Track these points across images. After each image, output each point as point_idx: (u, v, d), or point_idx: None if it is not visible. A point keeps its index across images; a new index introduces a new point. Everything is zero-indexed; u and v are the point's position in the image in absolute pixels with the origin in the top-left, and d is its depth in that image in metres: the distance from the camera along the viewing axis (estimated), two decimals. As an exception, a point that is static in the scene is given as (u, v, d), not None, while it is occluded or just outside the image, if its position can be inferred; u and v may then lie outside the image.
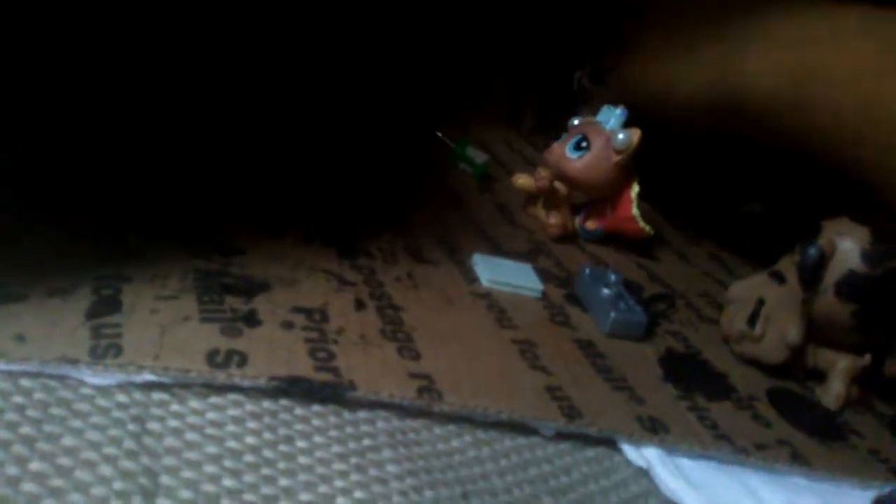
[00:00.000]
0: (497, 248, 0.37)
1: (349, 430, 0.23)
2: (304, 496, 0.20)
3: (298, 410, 0.23)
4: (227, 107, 0.42)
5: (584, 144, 0.38)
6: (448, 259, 0.34)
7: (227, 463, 0.20)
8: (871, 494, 0.26)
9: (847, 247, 0.30)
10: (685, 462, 0.25)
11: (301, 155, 0.41)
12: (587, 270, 0.33)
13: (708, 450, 0.26)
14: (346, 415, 0.23)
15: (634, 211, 0.39)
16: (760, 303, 0.32)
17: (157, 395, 0.21)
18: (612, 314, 0.31)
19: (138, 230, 0.29)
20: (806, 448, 0.28)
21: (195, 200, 0.32)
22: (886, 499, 0.26)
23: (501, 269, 0.33)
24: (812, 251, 0.30)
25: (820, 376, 0.33)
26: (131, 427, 0.20)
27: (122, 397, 0.21)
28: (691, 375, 0.30)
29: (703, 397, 0.29)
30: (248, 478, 0.20)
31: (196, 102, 0.41)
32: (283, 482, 0.20)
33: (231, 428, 0.21)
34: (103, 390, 0.21)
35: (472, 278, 0.33)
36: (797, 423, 0.29)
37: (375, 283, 0.29)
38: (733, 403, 0.29)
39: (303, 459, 0.21)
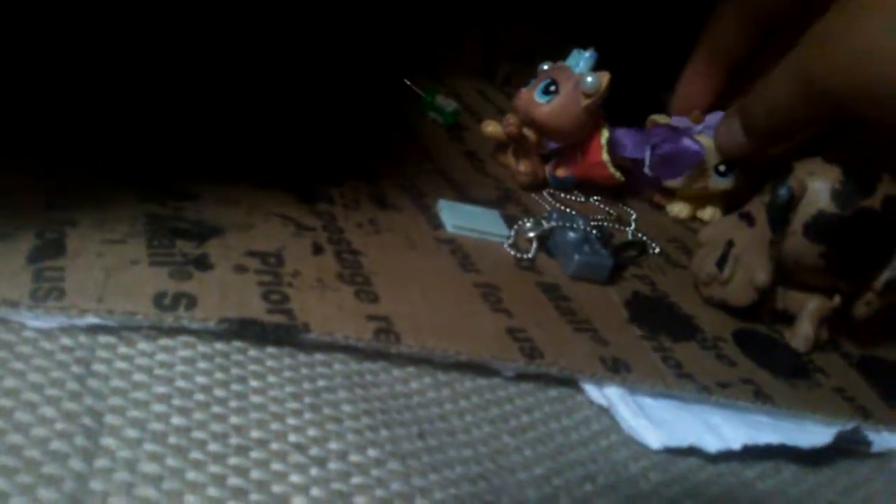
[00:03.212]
0: (465, 196, 0.36)
1: (304, 371, 0.22)
2: (255, 433, 0.20)
3: (252, 352, 0.22)
4: (187, 49, 0.41)
5: (552, 89, 0.38)
6: (413, 205, 0.33)
7: (176, 402, 0.20)
8: (834, 431, 0.26)
9: (817, 187, 0.30)
10: (647, 401, 0.25)
11: (266, 100, 0.40)
12: (554, 214, 0.33)
13: (670, 388, 0.26)
14: (302, 356, 0.23)
15: (604, 156, 0.38)
16: (730, 245, 0.32)
17: (103, 338, 0.21)
18: (577, 256, 0.31)
19: (88, 173, 0.28)
20: (769, 386, 0.28)
21: (150, 143, 0.31)
22: (849, 434, 0.26)
23: (467, 214, 0.33)
24: (781, 192, 0.30)
25: (789, 319, 0.32)
26: (76, 369, 0.20)
27: (66, 340, 0.20)
28: (657, 317, 0.30)
29: (668, 338, 0.29)
30: (198, 416, 0.20)
31: (155, 42, 0.40)
32: (234, 420, 0.20)
33: (181, 368, 0.21)
34: (47, 333, 0.20)
35: (437, 224, 0.32)
36: (763, 364, 0.29)
37: (335, 228, 0.29)
38: (698, 344, 0.29)
39: (255, 398, 0.21)
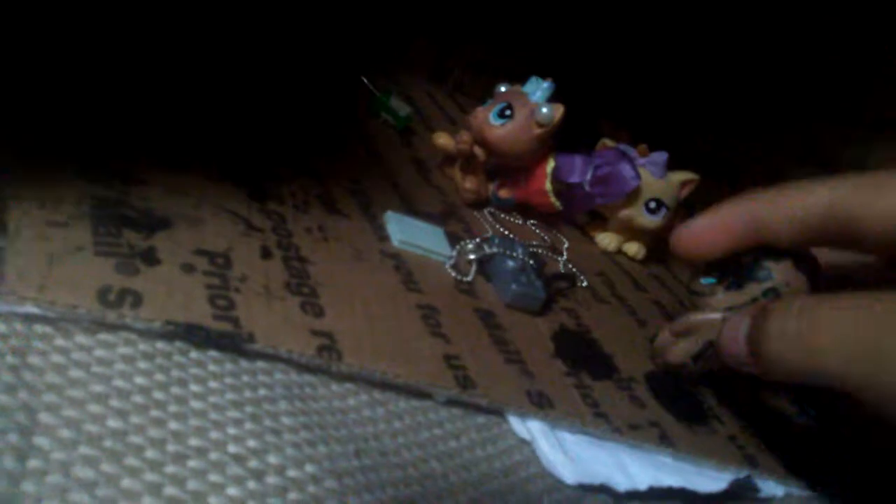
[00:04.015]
0: (410, 206, 0.37)
1: (246, 378, 0.22)
2: (194, 441, 0.20)
3: (194, 354, 0.22)
4: (147, 37, 0.39)
5: (507, 113, 0.39)
6: (361, 213, 0.33)
7: (114, 403, 0.20)
8: (729, 478, 0.28)
9: None
10: (565, 435, 0.27)
11: (222, 92, 0.39)
12: (496, 240, 0.34)
13: (587, 427, 0.27)
14: (244, 363, 0.23)
15: (547, 185, 0.40)
16: (710, 345, 0.31)
17: (40, 328, 0.20)
18: (513, 286, 0.32)
19: (35, 149, 0.26)
20: (673, 430, 0.30)
21: (101, 124, 0.30)
22: (743, 482, 0.29)
23: (413, 230, 0.33)
24: None
25: None
26: (10, 360, 0.19)
27: (1, 326, 0.20)
28: (579, 353, 0.32)
29: (588, 375, 0.31)
30: (136, 419, 0.19)
31: (112, 27, 0.38)
32: (173, 425, 0.20)
33: (120, 367, 0.21)
34: (-20, 317, 0.20)
35: (384, 236, 0.33)
36: (669, 407, 0.31)
37: (284, 231, 0.29)
38: (614, 383, 0.31)
39: (195, 404, 0.21)
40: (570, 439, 0.27)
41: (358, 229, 0.32)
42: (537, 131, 0.38)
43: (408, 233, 0.33)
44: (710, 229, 0.31)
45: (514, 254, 0.34)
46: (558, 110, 0.38)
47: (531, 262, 0.34)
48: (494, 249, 0.34)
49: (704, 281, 0.32)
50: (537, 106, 0.38)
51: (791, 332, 0.26)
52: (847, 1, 0.51)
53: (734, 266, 0.31)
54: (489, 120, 0.39)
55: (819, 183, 0.28)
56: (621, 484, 0.25)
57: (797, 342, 0.26)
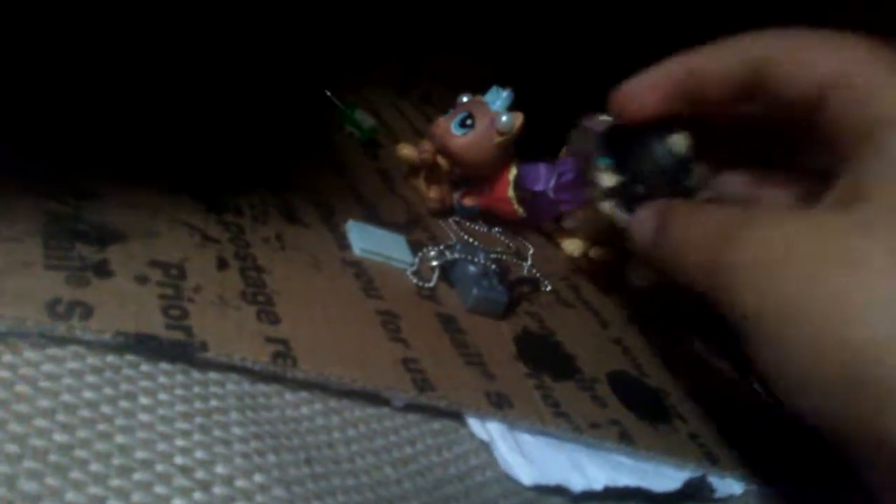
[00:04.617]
0: (374, 216, 0.37)
1: (197, 389, 0.22)
2: (140, 454, 0.20)
3: (144, 367, 0.22)
4: (102, 48, 0.39)
5: (468, 122, 0.39)
6: (322, 223, 0.34)
7: (60, 417, 0.20)
8: (684, 477, 0.29)
9: None
10: (525, 437, 0.27)
11: (182, 105, 0.39)
12: (458, 246, 0.34)
13: (547, 426, 0.28)
14: (196, 374, 0.23)
15: (510, 193, 0.40)
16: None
17: (-13, 343, 0.20)
18: (475, 291, 0.32)
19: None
20: (634, 429, 0.30)
21: (53, 138, 0.30)
22: (697, 481, 0.29)
23: (375, 238, 0.34)
24: None
25: None
26: (-45, 375, 0.19)
27: (-54, 343, 0.20)
28: (542, 355, 0.32)
29: (550, 377, 0.31)
30: (82, 433, 0.19)
31: (65, 37, 0.38)
32: (120, 439, 0.20)
33: (68, 381, 0.21)
34: (-75, 333, 0.20)
35: (345, 245, 0.33)
36: (630, 405, 0.32)
37: (242, 242, 0.29)
38: (576, 384, 0.31)
39: (143, 416, 0.21)
40: (530, 441, 0.27)
41: (318, 238, 0.32)
42: (497, 140, 0.39)
43: (369, 241, 0.33)
44: (642, 88, 0.30)
45: (476, 259, 0.34)
46: (518, 118, 0.38)
47: (493, 266, 0.34)
48: (456, 255, 0.34)
49: (600, 161, 0.32)
50: (497, 115, 0.39)
51: (648, 229, 0.29)
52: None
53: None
54: (451, 130, 0.39)
55: (756, 35, 0.28)
56: (578, 484, 0.26)
57: (655, 239, 0.28)
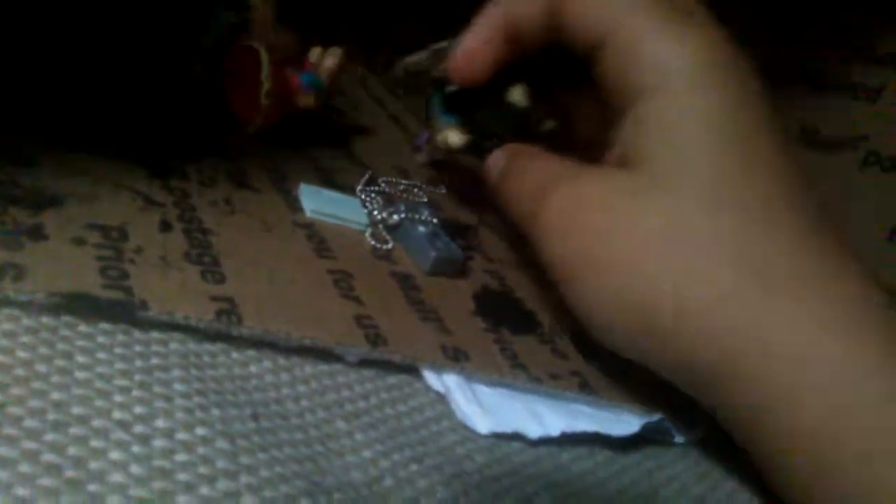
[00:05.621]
0: (329, 182, 0.36)
1: (138, 348, 0.22)
2: (76, 409, 0.19)
3: (83, 328, 0.22)
4: (40, 13, 0.38)
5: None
6: (273, 187, 0.33)
7: (-8, 377, 0.19)
8: (642, 421, 0.28)
9: None
10: (481, 388, 0.27)
11: (130, 68, 0.38)
12: (402, 206, 0.34)
13: (504, 378, 0.27)
14: (137, 334, 0.22)
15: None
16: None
17: (-86, 307, 0.20)
18: (433, 253, 0.32)
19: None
20: (594, 379, 0.30)
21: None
22: (654, 425, 0.29)
23: (327, 200, 0.33)
24: None
25: None
26: None
27: None
28: (502, 311, 0.32)
29: (509, 331, 0.31)
30: (16, 391, 0.19)
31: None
32: (55, 395, 0.19)
33: (1, 342, 0.20)
34: None
35: (297, 208, 0.32)
36: (593, 362, 0.31)
37: (187, 205, 0.28)
38: (537, 338, 0.31)
39: (80, 374, 0.20)
40: (486, 392, 0.27)
41: (269, 202, 0.32)
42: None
43: (321, 203, 0.33)
44: (475, 50, 0.29)
45: (423, 217, 0.33)
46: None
47: (435, 221, 0.34)
48: (403, 215, 0.33)
49: (445, 119, 0.33)
50: None
51: (496, 173, 0.31)
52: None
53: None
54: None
55: None
56: (534, 432, 0.25)
57: (499, 185, 0.31)
